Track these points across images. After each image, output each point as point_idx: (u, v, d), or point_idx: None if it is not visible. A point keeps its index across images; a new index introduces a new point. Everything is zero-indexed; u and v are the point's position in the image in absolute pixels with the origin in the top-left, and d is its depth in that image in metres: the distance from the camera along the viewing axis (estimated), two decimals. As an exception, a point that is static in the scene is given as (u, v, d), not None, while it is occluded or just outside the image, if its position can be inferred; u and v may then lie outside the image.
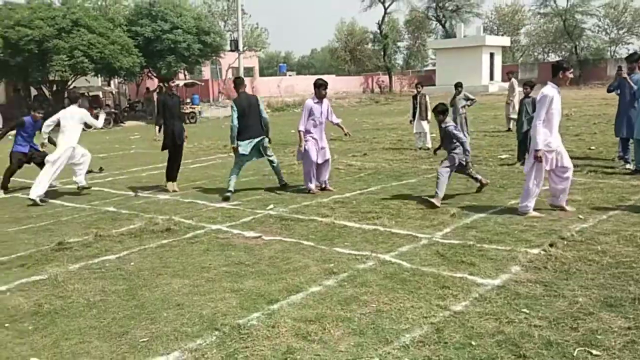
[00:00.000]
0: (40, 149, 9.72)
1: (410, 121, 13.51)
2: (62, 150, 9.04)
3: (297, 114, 30.23)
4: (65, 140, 9.13)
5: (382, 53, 56.08)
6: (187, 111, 26.74)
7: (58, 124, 9.29)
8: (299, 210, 7.38)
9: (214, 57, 33.38)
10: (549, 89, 6.35)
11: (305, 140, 8.35)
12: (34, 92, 28.51)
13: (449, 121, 7.80)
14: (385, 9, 56.04)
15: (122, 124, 27.13)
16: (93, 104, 27.81)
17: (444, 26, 61.06)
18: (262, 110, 8.63)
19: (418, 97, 13.15)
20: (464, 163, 7.77)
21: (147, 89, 32.34)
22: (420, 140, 13.20)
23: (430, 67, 64.68)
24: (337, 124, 8.74)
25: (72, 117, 9.28)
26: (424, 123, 12.97)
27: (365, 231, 6.24)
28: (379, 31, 56.68)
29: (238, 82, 8.81)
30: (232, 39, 40.41)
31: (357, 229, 6.34)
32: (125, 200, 8.73)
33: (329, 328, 3.82)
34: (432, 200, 7.27)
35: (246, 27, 40.27)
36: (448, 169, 7.60)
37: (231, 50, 40.22)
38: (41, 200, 8.65)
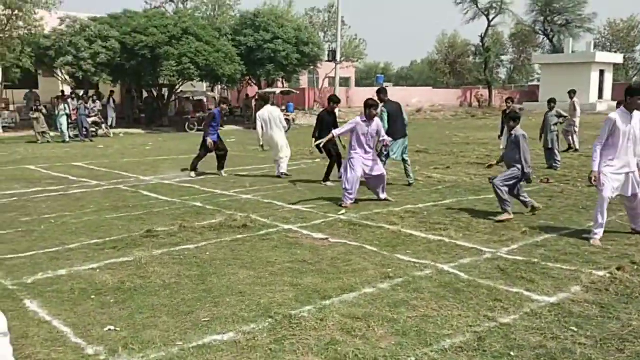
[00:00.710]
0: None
1: (499, 136, 13.27)
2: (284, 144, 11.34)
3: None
4: (278, 135, 11.30)
5: (483, 66, 54.79)
6: (281, 118, 27.74)
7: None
8: (368, 217, 7.59)
9: (312, 67, 34.24)
10: (615, 113, 6.25)
11: (351, 158, 8.55)
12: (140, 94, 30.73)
13: (520, 129, 7.64)
14: (489, 22, 54.73)
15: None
16: (197, 107, 29.62)
17: (551, 41, 58.66)
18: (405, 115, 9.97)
19: (507, 112, 12.87)
20: (517, 183, 7.47)
21: (247, 95, 33.76)
22: (507, 156, 12.92)
23: (535, 83, 62.29)
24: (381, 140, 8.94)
25: (272, 114, 11.30)
26: (512, 139, 12.68)
27: (430, 241, 6.34)
28: (481, 44, 55.43)
29: (382, 92, 9.93)
30: (331, 49, 41.32)
31: (422, 239, 6.45)
32: (212, 197, 9.35)
33: (374, 326, 4.02)
34: (502, 218, 7.22)
35: (345, 38, 40.95)
36: (505, 182, 7.39)
37: (329, 61, 41.12)
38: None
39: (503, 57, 65.04)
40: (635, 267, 5.30)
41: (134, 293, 4.75)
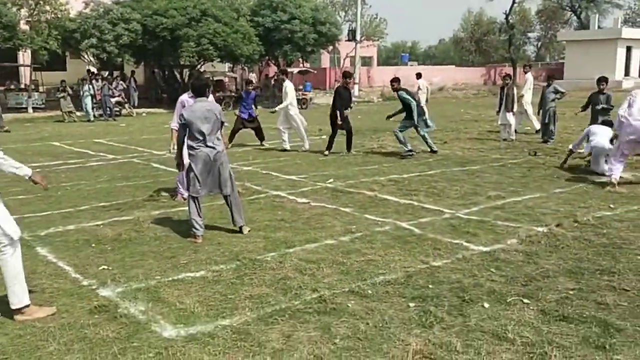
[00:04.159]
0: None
1: (497, 112, 13.71)
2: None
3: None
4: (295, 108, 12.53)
5: (508, 44, 54.29)
6: (299, 97, 28.40)
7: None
8: (353, 185, 8.28)
9: (329, 46, 34.72)
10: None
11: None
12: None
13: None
14: (514, -1, 54.03)
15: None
16: (217, 87, 30.46)
17: (579, 17, 57.66)
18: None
19: (505, 89, 13.33)
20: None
21: (266, 75, 34.49)
22: (505, 131, 13.39)
23: (563, 60, 61.41)
24: None
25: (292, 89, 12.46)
26: (509, 115, 13.15)
27: (400, 204, 7.01)
28: (505, 21, 54.84)
29: (395, 81, 11.12)
30: (351, 28, 41.67)
31: (394, 202, 7.13)
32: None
33: (323, 267, 4.75)
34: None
35: (365, 17, 41.17)
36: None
37: (349, 40, 41.50)
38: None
39: (530, 35, 64.21)
40: (577, 224, 5.89)
41: (129, 243, 5.56)
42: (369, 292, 4.22)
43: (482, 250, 5.15)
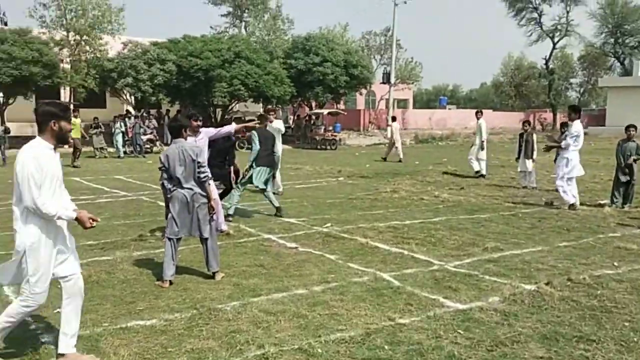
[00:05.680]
0: None
1: (516, 159, 13.29)
2: None
3: (440, 147, 30.39)
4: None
5: (548, 89, 53.55)
6: (328, 138, 28.42)
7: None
8: (348, 230, 8.00)
9: (361, 89, 34.93)
10: None
11: None
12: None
13: None
14: (554, 44, 53.60)
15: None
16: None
17: (622, 63, 56.61)
18: None
19: (525, 135, 12.93)
20: None
21: (298, 116, 34.81)
22: (524, 179, 12.92)
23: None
24: None
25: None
26: (528, 162, 12.71)
27: (390, 253, 6.70)
28: (545, 66, 54.25)
29: (262, 118, 9.92)
30: (385, 71, 41.87)
31: (384, 250, 6.82)
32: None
33: (281, 320, 4.49)
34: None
35: (401, 60, 41.34)
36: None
37: (383, 82, 41.68)
38: None
39: (572, 80, 63.18)
40: (570, 283, 5.45)
41: (94, 285, 5.43)
42: (319, 350, 3.92)
43: (458, 307, 4.79)
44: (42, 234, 3.64)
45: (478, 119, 15.17)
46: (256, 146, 8.92)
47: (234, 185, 8.82)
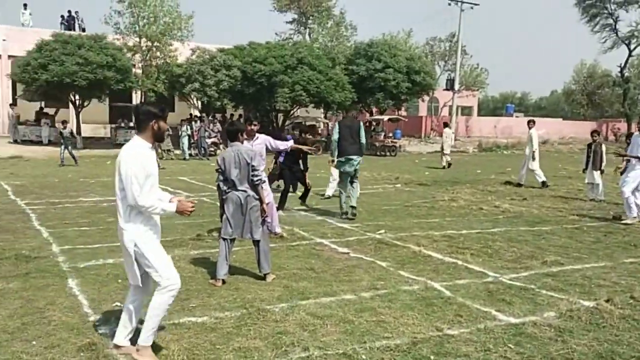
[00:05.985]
0: None
1: (583, 170, 12.76)
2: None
3: (505, 156, 29.62)
4: None
5: (623, 98, 51.08)
6: (388, 144, 28.27)
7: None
8: (402, 238, 7.93)
9: (423, 95, 34.56)
10: None
11: None
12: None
13: None
14: (630, 52, 51.04)
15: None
16: (310, 131, 31.15)
17: None
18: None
19: (593, 146, 12.40)
20: None
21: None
22: (592, 191, 12.39)
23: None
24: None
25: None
26: (596, 174, 12.19)
27: (443, 263, 6.59)
28: (620, 75, 51.77)
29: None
30: (449, 78, 41.24)
31: (437, 260, 6.72)
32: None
33: (328, 324, 4.51)
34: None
35: (465, 67, 40.64)
36: None
37: (447, 89, 41.04)
38: None
39: (651, 89, 60.00)
40: (630, 301, 5.19)
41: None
42: (363, 357, 3.92)
43: (510, 321, 4.65)
44: (146, 227, 3.84)
45: (530, 128, 14.81)
46: (334, 135, 9.48)
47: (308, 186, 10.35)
